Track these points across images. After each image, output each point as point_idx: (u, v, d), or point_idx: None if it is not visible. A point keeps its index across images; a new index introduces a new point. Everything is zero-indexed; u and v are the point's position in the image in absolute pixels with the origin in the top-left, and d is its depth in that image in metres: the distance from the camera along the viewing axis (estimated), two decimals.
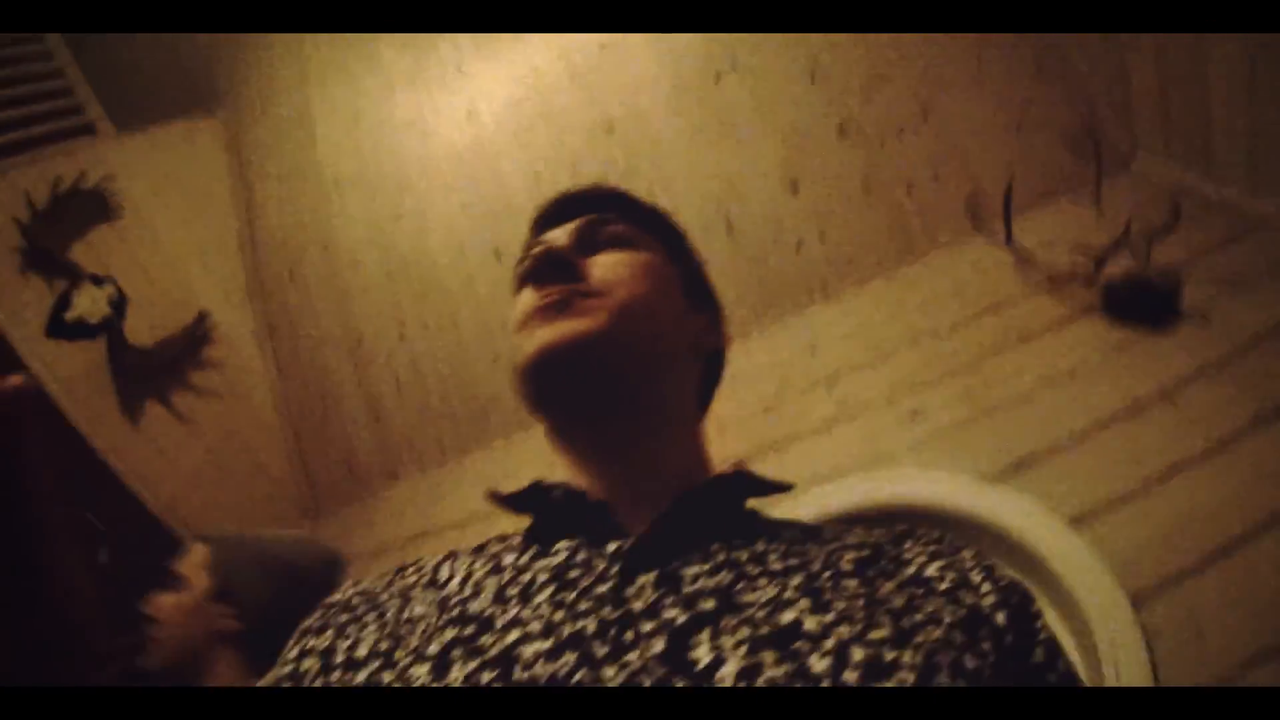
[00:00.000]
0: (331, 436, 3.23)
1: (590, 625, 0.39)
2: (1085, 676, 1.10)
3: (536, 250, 0.56)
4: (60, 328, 2.65)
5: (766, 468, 1.72)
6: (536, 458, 2.47)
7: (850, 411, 1.79)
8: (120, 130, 2.93)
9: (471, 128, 2.72)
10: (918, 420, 1.66)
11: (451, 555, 0.57)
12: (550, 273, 0.54)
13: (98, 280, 2.78)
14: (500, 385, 2.78)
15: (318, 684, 0.44)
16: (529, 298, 0.54)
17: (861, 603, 0.40)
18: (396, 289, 2.99)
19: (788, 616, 0.39)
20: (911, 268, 2.13)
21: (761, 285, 2.36)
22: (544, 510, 0.52)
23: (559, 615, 0.40)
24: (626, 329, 0.52)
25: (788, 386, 2.00)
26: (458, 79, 2.78)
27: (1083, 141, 1.95)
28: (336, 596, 0.54)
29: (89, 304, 2.72)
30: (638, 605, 0.40)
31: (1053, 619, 1.32)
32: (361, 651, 0.44)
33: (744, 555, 0.44)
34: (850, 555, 0.46)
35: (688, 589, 0.41)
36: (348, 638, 0.46)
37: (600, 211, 0.62)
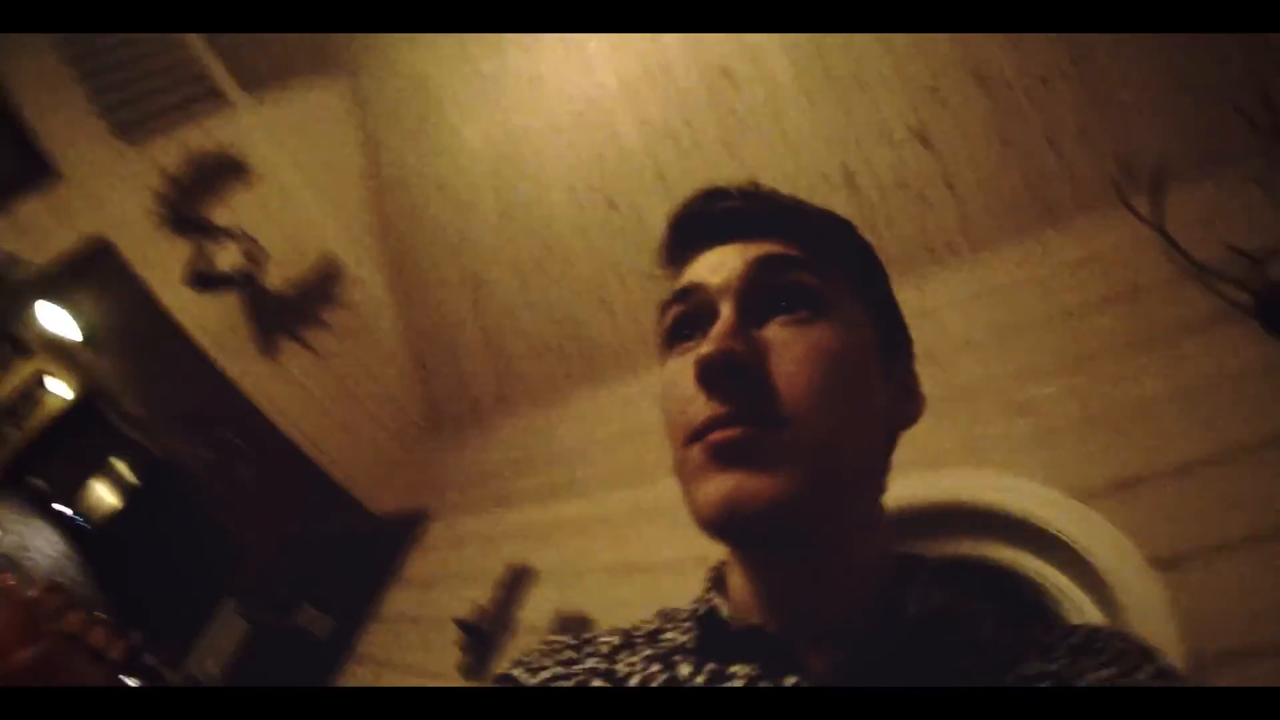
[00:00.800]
0: (453, 368, 3.44)
1: None
2: None
3: (706, 353, 0.44)
4: (202, 280, 2.86)
5: None
6: (642, 398, 2.56)
7: (955, 392, 1.70)
8: (248, 94, 3.02)
9: (585, 77, 2.66)
10: (1023, 415, 1.54)
11: (628, 642, 0.53)
12: (724, 382, 0.44)
13: (234, 236, 2.96)
14: (609, 329, 2.85)
15: None
16: (696, 396, 0.45)
17: None
18: (513, 232, 3.07)
19: None
20: (1045, 236, 1.96)
21: (879, 244, 2.24)
22: (718, 632, 0.48)
23: None
24: (826, 475, 0.44)
25: None
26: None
27: (1258, 108, 1.67)
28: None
29: (228, 258, 2.92)
30: None
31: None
32: None
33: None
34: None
35: None
36: None
37: (759, 223, 0.50)
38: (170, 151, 2.90)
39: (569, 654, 0.53)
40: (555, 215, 2.92)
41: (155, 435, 4.85)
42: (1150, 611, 1.13)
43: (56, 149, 2.63)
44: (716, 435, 0.43)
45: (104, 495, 5.23)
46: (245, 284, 2.98)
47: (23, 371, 4.44)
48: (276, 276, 3.16)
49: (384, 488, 3.44)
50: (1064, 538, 1.30)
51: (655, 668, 0.48)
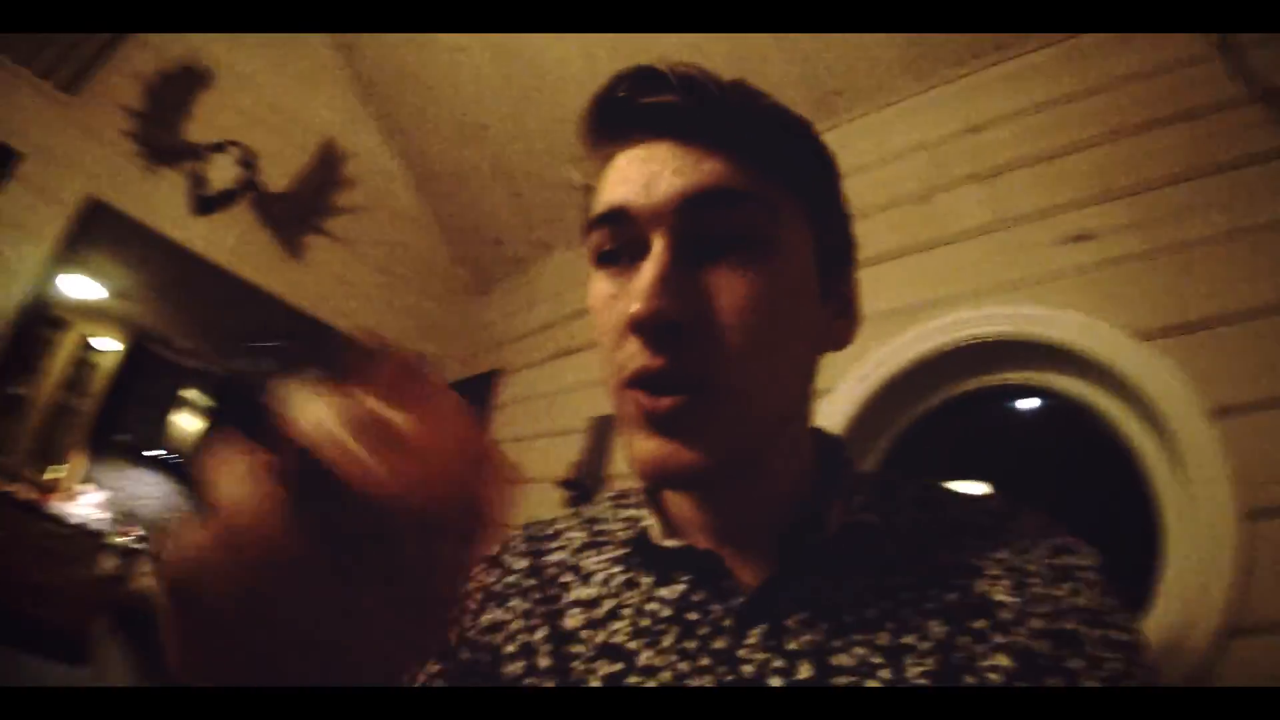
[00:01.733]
0: (478, 218, 3.36)
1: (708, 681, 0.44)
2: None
3: (636, 311, 0.42)
4: (205, 204, 2.78)
5: (907, 270, 1.67)
6: None
7: (1005, 219, 1.60)
8: None
9: None
10: (1079, 245, 1.45)
11: (594, 542, 0.56)
12: (657, 336, 0.43)
13: (220, 148, 2.83)
14: None
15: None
16: (625, 339, 0.45)
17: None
18: (509, 73, 2.86)
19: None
20: (1105, 38, 1.65)
21: (912, 41, 1.93)
22: (655, 554, 0.51)
23: (684, 666, 0.44)
24: (755, 435, 0.46)
25: (941, 171, 1.79)
26: None
27: None
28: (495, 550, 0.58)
29: (222, 173, 2.81)
30: (748, 669, 0.43)
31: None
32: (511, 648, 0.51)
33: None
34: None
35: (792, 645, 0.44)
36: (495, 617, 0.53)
37: (699, 122, 0.46)
38: (125, 87, 2.72)
39: (543, 543, 0.58)
40: (544, 47, 2.71)
41: (214, 360, 4.98)
42: (1205, 459, 1.14)
43: (11, 132, 2.49)
44: (648, 402, 0.44)
45: (186, 426, 5.48)
46: (248, 191, 2.89)
47: (67, 344, 4.52)
48: (278, 175, 3.05)
49: (446, 357, 3.48)
50: (1124, 376, 1.29)
51: (617, 569, 0.52)
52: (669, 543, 0.50)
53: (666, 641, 0.46)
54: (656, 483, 0.50)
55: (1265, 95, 1.34)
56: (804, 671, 0.42)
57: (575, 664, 0.47)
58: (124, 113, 2.66)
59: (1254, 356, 1.17)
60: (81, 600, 3.90)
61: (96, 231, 2.67)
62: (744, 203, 0.45)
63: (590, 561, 0.54)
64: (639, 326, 0.43)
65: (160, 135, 2.73)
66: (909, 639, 0.42)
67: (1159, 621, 1.13)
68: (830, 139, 0.55)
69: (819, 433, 0.55)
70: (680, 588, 0.48)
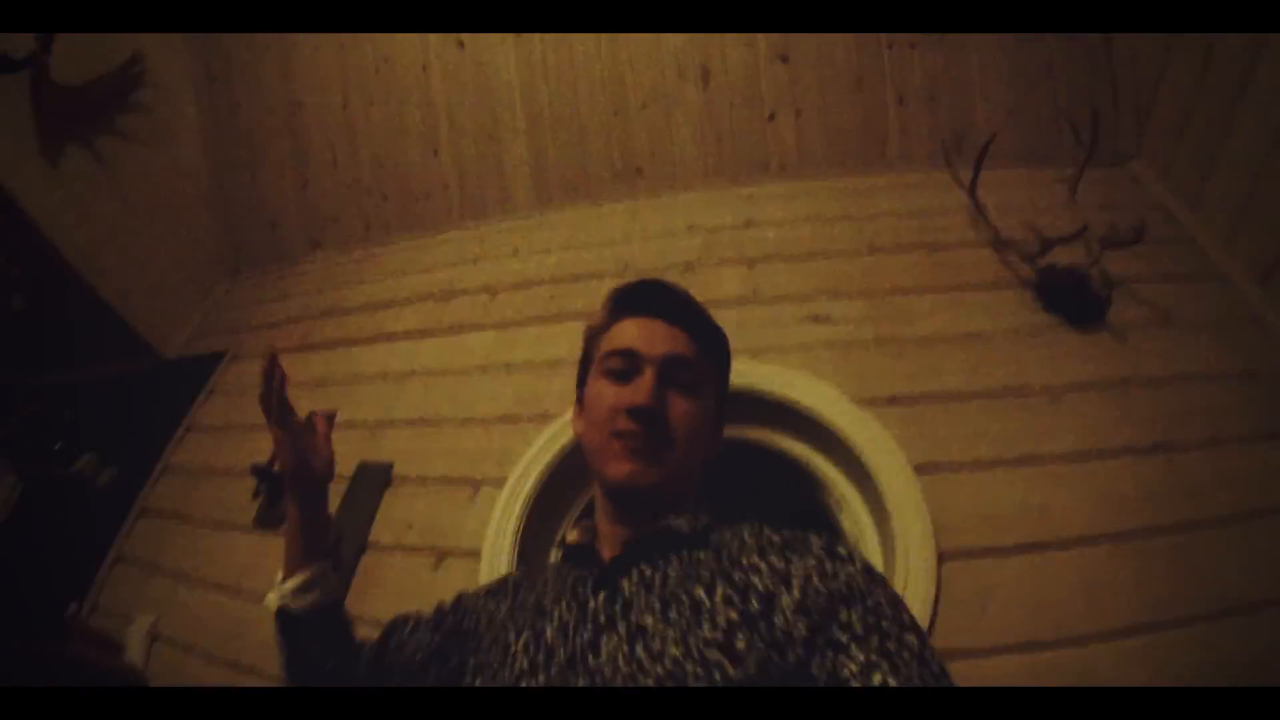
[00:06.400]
0: (259, 197, 3.12)
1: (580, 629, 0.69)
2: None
3: (639, 402, 0.76)
4: None
5: None
6: (458, 257, 2.52)
7: (762, 296, 1.83)
8: None
9: None
10: (819, 325, 1.70)
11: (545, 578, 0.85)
12: (642, 415, 0.76)
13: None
14: (435, 180, 2.71)
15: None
16: (620, 417, 0.77)
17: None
18: (346, 61, 2.78)
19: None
20: (873, 179, 2.11)
21: (720, 144, 2.32)
22: (567, 549, 0.84)
23: (566, 613, 0.72)
24: (681, 471, 0.79)
25: (710, 252, 2.03)
26: None
27: (1086, 121, 1.86)
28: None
29: (20, 45, 2.42)
30: (602, 618, 0.68)
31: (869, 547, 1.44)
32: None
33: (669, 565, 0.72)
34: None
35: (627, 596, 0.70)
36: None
37: (675, 312, 0.83)
38: None
39: (502, 596, 0.85)
40: (395, 45, 2.67)
41: None
42: (906, 507, 1.35)
43: None
44: (631, 442, 0.76)
45: None
46: (28, 66, 2.48)
47: None
48: (70, 67, 2.64)
49: (175, 328, 3.08)
50: (841, 434, 1.49)
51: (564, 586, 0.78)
52: (571, 538, 0.84)
53: (564, 599, 0.74)
54: (623, 489, 0.76)
55: (994, 242, 1.76)
56: (623, 620, 0.67)
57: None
58: None
59: (955, 428, 1.46)
60: None
61: None
62: (693, 365, 0.81)
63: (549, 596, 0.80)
64: (636, 412, 0.76)
65: None
66: (701, 596, 0.65)
67: None
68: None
69: (703, 497, 0.84)
70: (574, 570, 0.79)
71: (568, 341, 1.95)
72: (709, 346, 0.84)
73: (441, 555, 1.67)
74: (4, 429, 2.98)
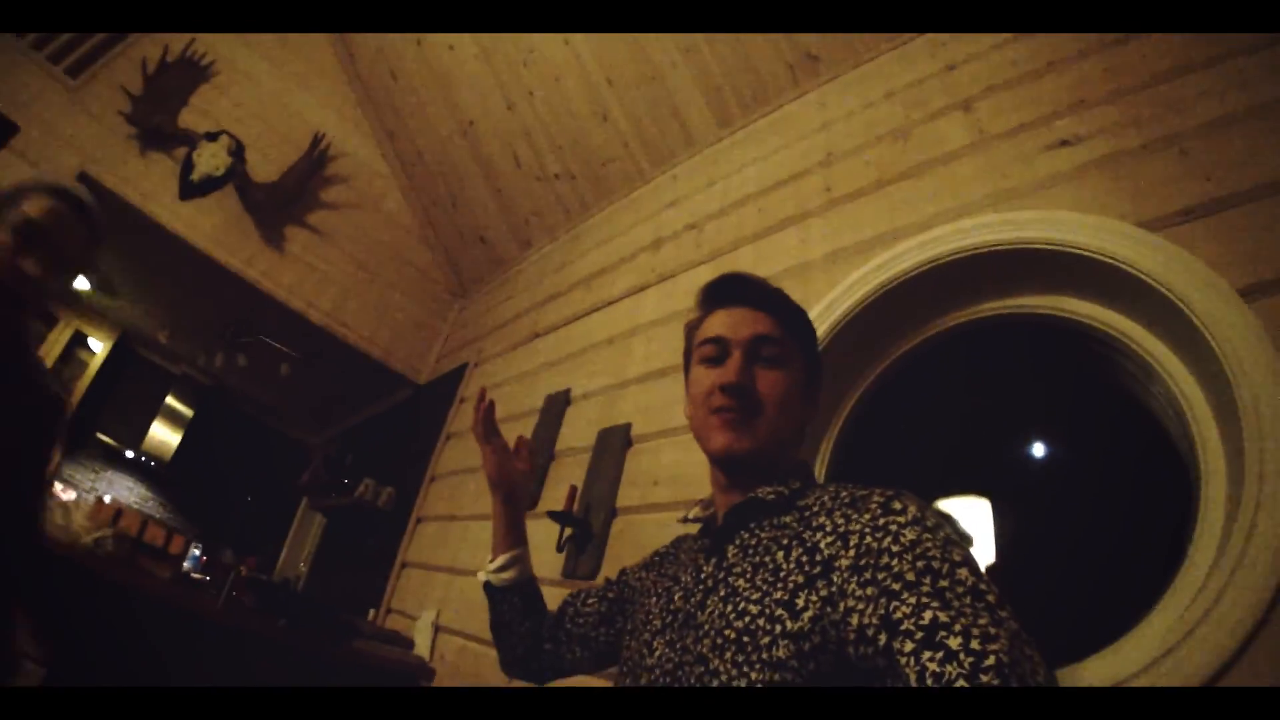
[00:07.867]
0: (464, 219, 3.35)
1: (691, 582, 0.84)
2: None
3: (730, 380, 0.83)
4: (190, 189, 2.71)
5: (903, 195, 1.63)
6: (654, 212, 2.49)
7: (987, 139, 1.55)
8: None
9: None
10: (1069, 149, 1.39)
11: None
12: (733, 391, 0.83)
13: (212, 136, 2.79)
14: (613, 141, 2.68)
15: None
16: (715, 394, 0.85)
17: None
18: (494, 65, 2.84)
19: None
20: None
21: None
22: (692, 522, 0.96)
23: (688, 578, 0.85)
24: (774, 438, 0.84)
25: (919, 108, 1.77)
26: None
27: None
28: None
29: (210, 160, 2.76)
30: (710, 582, 0.80)
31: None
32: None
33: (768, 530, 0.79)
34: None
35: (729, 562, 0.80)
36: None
37: (759, 299, 0.90)
38: (128, 72, 2.71)
39: (651, 567, 1.03)
40: (534, 39, 2.69)
41: (190, 358, 4.87)
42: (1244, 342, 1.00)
43: (15, 107, 2.46)
44: (726, 415, 0.84)
45: (166, 434, 5.34)
46: (231, 178, 2.83)
47: (61, 338, 4.44)
48: (267, 166, 3.00)
49: (422, 356, 3.48)
50: (1131, 268, 1.17)
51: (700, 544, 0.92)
52: (693, 513, 0.95)
53: (689, 567, 0.87)
54: (724, 457, 0.84)
55: None
56: (724, 584, 0.77)
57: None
58: (124, 94, 2.64)
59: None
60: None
61: None
62: (776, 344, 0.87)
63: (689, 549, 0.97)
64: (728, 388, 0.83)
65: (155, 120, 2.69)
66: (780, 560, 0.73)
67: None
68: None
69: (800, 461, 0.90)
70: (698, 540, 0.92)
71: (783, 252, 1.85)
72: (791, 324, 0.90)
73: (690, 507, 1.59)
74: (306, 480, 3.39)
